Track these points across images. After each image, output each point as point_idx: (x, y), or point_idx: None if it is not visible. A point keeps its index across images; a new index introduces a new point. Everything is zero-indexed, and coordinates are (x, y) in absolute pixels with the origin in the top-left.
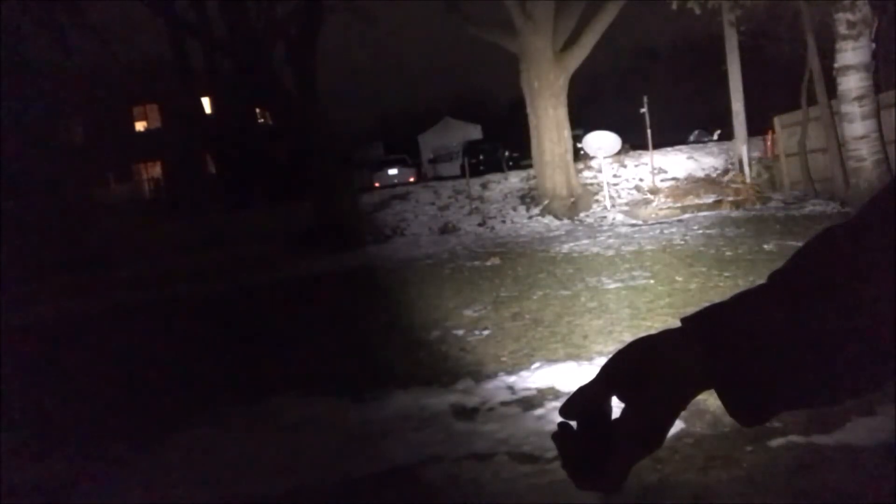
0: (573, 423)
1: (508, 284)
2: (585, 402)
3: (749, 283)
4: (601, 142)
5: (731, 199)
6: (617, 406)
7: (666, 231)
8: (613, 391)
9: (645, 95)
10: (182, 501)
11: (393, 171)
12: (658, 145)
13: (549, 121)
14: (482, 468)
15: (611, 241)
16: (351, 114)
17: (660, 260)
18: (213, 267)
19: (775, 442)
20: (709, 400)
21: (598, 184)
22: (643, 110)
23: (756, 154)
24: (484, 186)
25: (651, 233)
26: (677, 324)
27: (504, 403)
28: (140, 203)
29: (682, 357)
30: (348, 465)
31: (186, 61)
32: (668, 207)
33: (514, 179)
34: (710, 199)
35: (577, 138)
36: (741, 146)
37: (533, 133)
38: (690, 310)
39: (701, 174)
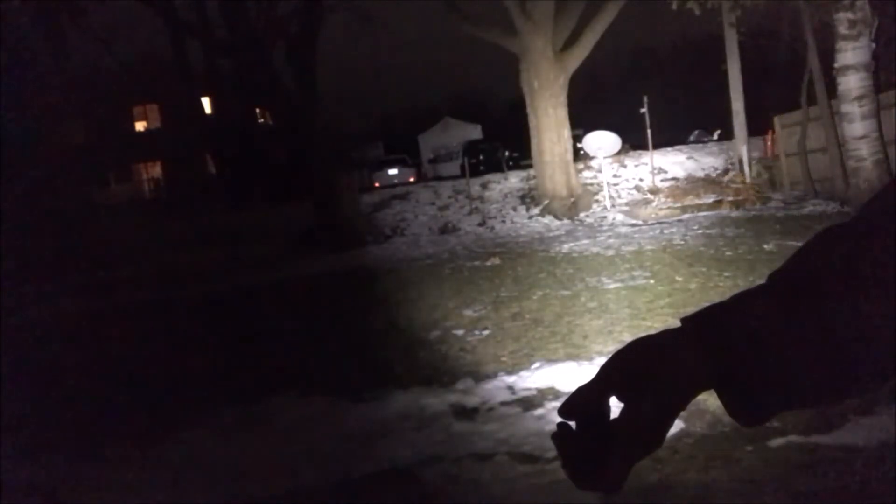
0: (572, 424)
1: (508, 284)
2: (584, 402)
3: (749, 283)
4: (601, 142)
5: (731, 199)
6: (616, 406)
7: (666, 231)
8: (613, 391)
9: (645, 95)
10: (182, 501)
11: (393, 171)
12: (658, 145)
13: (549, 121)
14: (482, 468)
15: (611, 241)
16: (351, 114)
17: (660, 260)
18: (212, 267)
19: (775, 442)
20: (709, 400)
21: (598, 184)
22: (643, 110)
23: (756, 154)
24: (484, 186)
25: (651, 233)
26: (677, 324)
27: (504, 403)
28: (140, 203)
29: (681, 357)
30: (348, 465)
31: (186, 61)
32: (668, 207)
33: (514, 179)
34: (710, 199)
35: (577, 138)
36: (741, 146)
37: (533, 133)
38: (690, 310)
39: (701, 174)
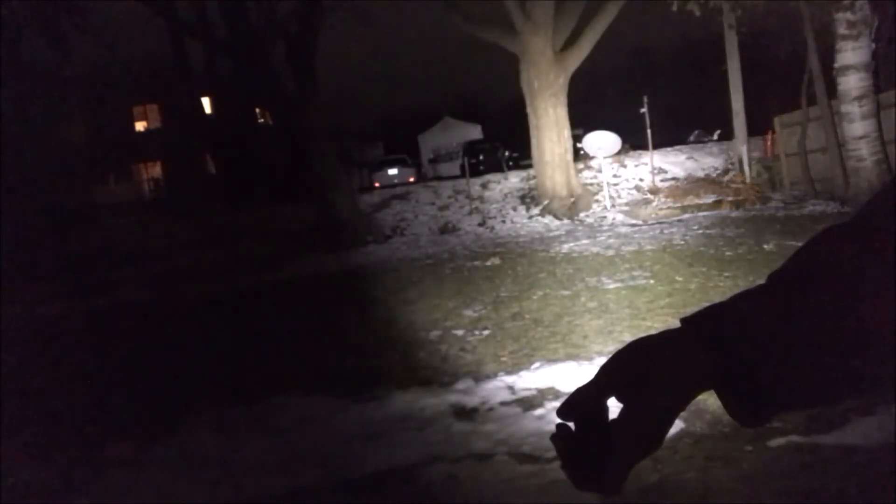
0: (571, 425)
1: (508, 284)
2: (583, 403)
3: (749, 283)
4: (601, 142)
5: (731, 199)
6: (615, 406)
7: (666, 231)
8: (612, 392)
9: (645, 95)
10: (182, 501)
11: (393, 171)
12: (658, 145)
13: (549, 121)
14: (482, 468)
15: (611, 241)
16: (351, 114)
17: (660, 260)
18: (212, 267)
19: (775, 442)
20: (709, 400)
21: (598, 184)
22: (643, 110)
23: (756, 154)
24: (484, 186)
25: (651, 233)
26: (677, 324)
27: (504, 403)
28: (140, 203)
29: (681, 358)
30: (348, 465)
31: (186, 61)
32: (668, 207)
33: (514, 179)
34: (710, 199)
35: (577, 138)
36: (741, 146)
37: (533, 133)
38: (690, 310)
39: (701, 174)
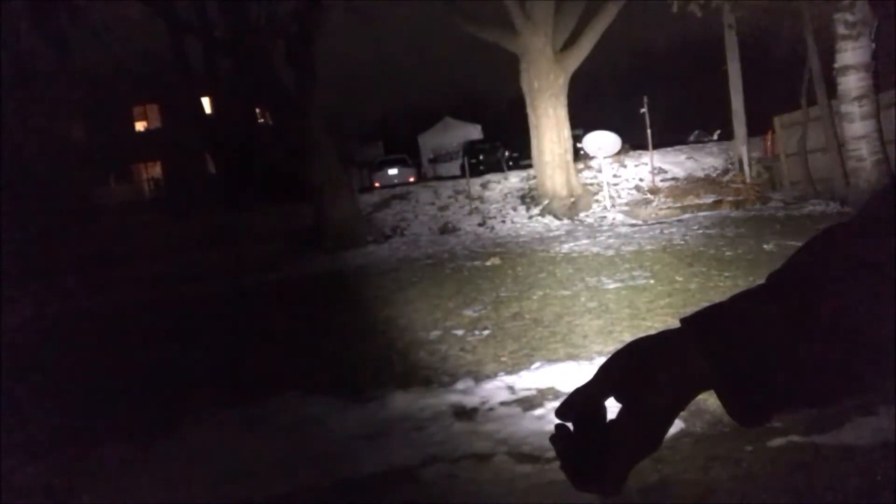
0: (570, 425)
1: (508, 284)
2: (582, 403)
3: (749, 283)
4: (601, 142)
5: (731, 199)
6: (614, 406)
7: (666, 231)
8: (611, 392)
9: (645, 95)
10: (182, 501)
11: (393, 171)
12: (658, 145)
13: (549, 121)
14: (482, 468)
15: (611, 241)
16: (351, 114)
17: (660, 260)
18: (212, 267)
19: (775, 442)
20: (709, 400)
21: (598, 184)
22: (643, 110)
23: (756, 154)
24: (484, 186)
25: (651, 233)
26: (677, 324)
27: (504, 403)
28: (140, 203)
29: (681, 357)
30: (348, 465)
31: (186, 61)
32: (668, 207)
33: (514, 179)
34: (710, 199)
35: (577, 138)
36: (741, 146)
37: (533, 133)
38: (690, 310)
39: (701, 174)
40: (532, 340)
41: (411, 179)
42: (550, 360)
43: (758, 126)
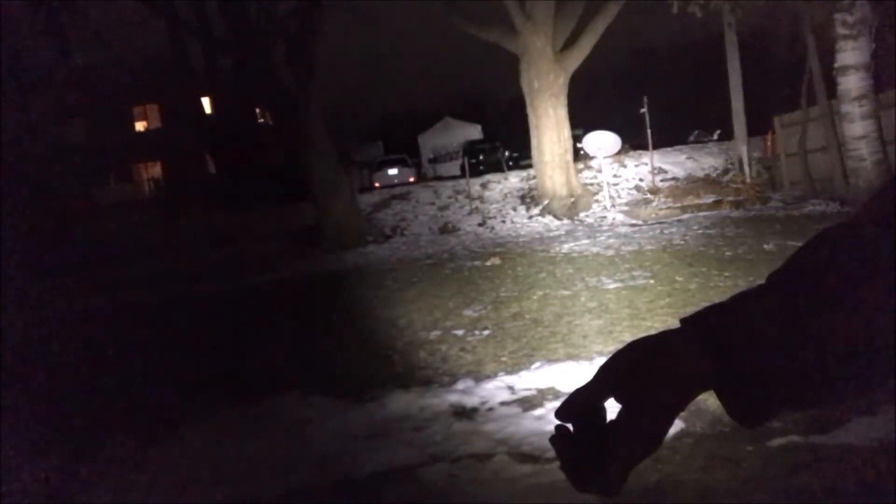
0: (570, 426)
1: (508, 284)
2: (582, 404)
3: (749, 283)
4: (601, 142)
5: (731, 199)
6: (614, 407)
7: (666, 231)
8: (611, 393)
9: (645, 95)
10: (182, 501)
11: (393, 171)
12: (658, 145)
13: (549, 121)
14: (482, 468)
15: (611, 241)
16: (351, 113)
17: (660, 260)
18: (212, 266)
19: (775, 442)
20: (709, 400)
21: (598, 184)
22: (643, 110)
23: (756, 154)
24: (484, 186)
25: (651, 233)
26: (677, 324)
27: (504, 403)
28: (140, 203)
29: (681, 358)
30: (348, 465)
31: (186, 61)
32: (668, 207)
33: (514, 179)
34: (710, 199)
35: (577, 138)
36: (741, 146)
37: (533, 133)
38: (690, 310)
39: (701, 174)
40: (532, 340)
41: (411, 179)
42: (550, 360)
43: (758, 126)
